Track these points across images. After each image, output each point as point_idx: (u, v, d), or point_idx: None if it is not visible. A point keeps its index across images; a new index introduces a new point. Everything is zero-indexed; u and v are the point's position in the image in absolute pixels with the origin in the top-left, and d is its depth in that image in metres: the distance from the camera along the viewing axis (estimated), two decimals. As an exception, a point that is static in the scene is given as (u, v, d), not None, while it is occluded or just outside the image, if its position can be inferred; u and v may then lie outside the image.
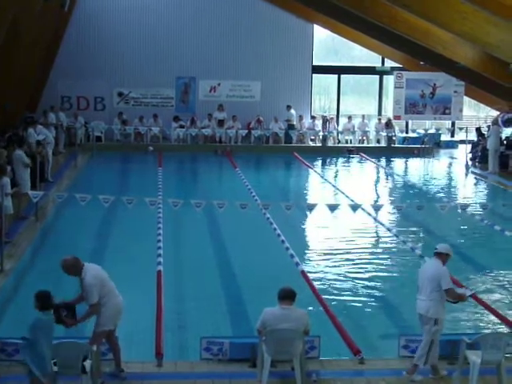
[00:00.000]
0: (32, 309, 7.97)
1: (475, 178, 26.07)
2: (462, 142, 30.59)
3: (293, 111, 31.59)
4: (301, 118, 31.91)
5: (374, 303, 12.53)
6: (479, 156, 28.08)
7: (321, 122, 32.15)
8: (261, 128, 31.08)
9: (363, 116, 32.79)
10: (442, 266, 9.24)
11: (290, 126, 31.35)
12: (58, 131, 27.70)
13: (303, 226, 18.19)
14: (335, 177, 26.33)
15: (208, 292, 12.77)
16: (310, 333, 9.11)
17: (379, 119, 32.84)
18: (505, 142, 27.05)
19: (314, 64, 32.93)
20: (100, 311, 8.84)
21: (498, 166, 25.83)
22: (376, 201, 21.48)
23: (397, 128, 32.61)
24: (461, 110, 32.57)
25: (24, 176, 17.45)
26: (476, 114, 37.84)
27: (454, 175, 27.43)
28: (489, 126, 28.26)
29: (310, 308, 10.86)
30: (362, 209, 16.16)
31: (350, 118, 32.83)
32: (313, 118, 32.42)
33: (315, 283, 12.89)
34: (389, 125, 31.95)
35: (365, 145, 32.08)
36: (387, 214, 19.13)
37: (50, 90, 30.40)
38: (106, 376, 8.95)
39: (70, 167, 25.04)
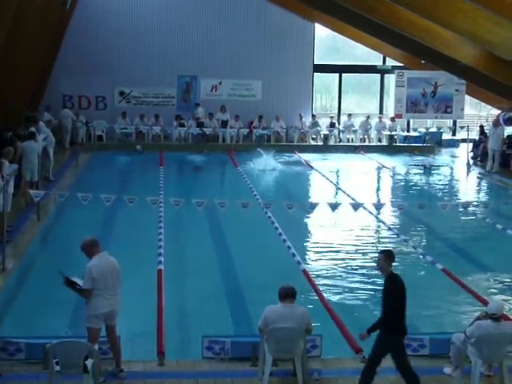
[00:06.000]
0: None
1: (477, 176, 26.08)
2: (464, 140, 30.62)
3: (201, 109, 31.25)
4: (300, 116, 31.92)
5: (375, 301, 12.50)
6: (480, 155, 28.06)
7: (326, 121, 32.38)
8: (262, 127, 31.14)
9: (368, 116, 32.80)
10: None
11: (200, 124, 30.83)
12: (62, 128, 28.38)
13: (305, 225, 18.18)
14: (337, 175, 26.32)
15: (209, 291, 12.77)
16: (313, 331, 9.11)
17: (380, 118, 32.84)
18: (506, 141, 26.99)
19: (315, 63, 32.93)
20: (88, 303, 8.84)
21: (499, 165, 25.81)
22: (377, 199, 21.47)
23: (398, 127, 32.64)
24: (462, 109, 32.58)
25: (37, 165, 18.44)
26: (477, 113, 37.84)
27: (456, 174, 27.40)
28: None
29: (312, 307, 10.85)
30: (364, 208, 16.15)
31: (349, 115, 32.91)
32: (313, 116, 32.43)
33: (316, 282, 12.90)
34: (394, 120, 32.10)
35: (366, 143, 32.14)
36: (388, 213, 19.11)
37: (52, 89, 30.44)
38: (108, 375, 8.95)
39: (72, 166, 25.05)
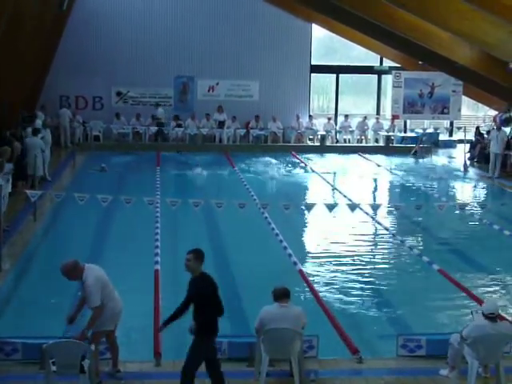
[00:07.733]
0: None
1: (474, 177, 26.06)
2: (461, 141, 30.63)
3: (161, 109, 31.08)
4: (298, 117, 31.94)
5: (372, 302, 12.52)
6: (477, 156, 28.04)
7: (325, 121, 32.50)
8: (259, 127, 31.17)
9: (365, 117, 32.84)
10: None
11: (159, 124, 30.66)
12: (61, 128, 28.96)
13: (301, 226, 18.18)
14: (333, 176, 26.29)
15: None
16: (308, 332, 9.11)
17: (377, 118, 32.88)
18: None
19: (312, 63, 32.97)
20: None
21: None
22: (374, 200, 21.47)
23: (396, 127, 32.69)
24: (459, 110, 32.61)
25: (40, 160, 19.63)
26: (474, 114, 37.88)
27: (452, 175, 27.40)
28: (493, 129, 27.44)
29: (308, 307, 10.84)
30: (360, 208, 16.14)
31: (346, 116, 32.95)
32: (310, 117, 32.46)
33: (313, 282, 12.90)
34: (393, 122, 32.16)
35: (363, 144, 32.18)
36: (385, 214, 19.12)
37: (49, 90, 30.39)
38: (105, 375, 8.94)
39: (69, 166, 25.03)
